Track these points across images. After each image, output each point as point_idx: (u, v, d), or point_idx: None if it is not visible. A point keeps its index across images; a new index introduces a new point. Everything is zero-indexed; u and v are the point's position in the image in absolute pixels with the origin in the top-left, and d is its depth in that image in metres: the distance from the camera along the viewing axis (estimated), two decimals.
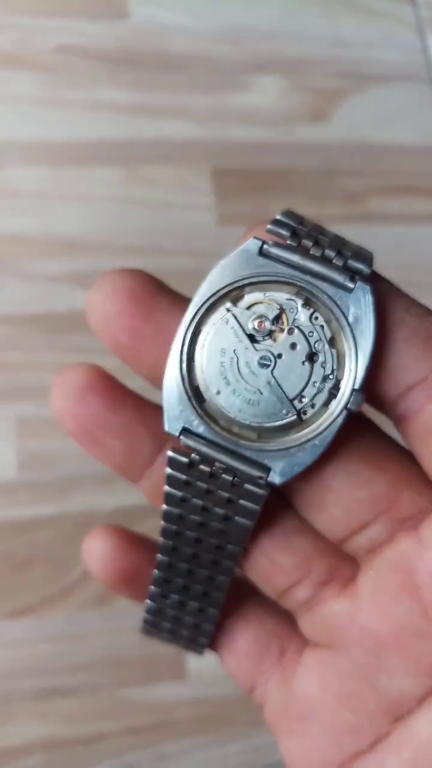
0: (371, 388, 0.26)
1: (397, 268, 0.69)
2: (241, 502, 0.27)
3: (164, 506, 0.28)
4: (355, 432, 0.27)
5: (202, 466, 0.27)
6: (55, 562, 0.60)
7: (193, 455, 0.27)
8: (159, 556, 0.30)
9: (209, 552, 0.30)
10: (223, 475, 0.27)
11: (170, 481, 0.28)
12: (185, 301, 0.27)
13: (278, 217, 0.27)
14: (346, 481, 0.27)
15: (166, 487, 0.28)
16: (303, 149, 0.74)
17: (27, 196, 0.68)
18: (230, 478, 0.27)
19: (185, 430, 0.27)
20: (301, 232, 0.26)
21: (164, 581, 0.31)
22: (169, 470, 0.28)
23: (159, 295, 0.27)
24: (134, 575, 0.33)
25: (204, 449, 0.27)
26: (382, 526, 0.27)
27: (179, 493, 0.28)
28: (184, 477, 0.27)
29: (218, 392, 0.27)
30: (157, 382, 0.27)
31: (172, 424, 0.27)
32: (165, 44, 0.75)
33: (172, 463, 0.27)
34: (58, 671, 0.58)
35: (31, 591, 0.59)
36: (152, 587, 0.32)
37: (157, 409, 0.29)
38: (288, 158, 0.74)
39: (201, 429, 0.27)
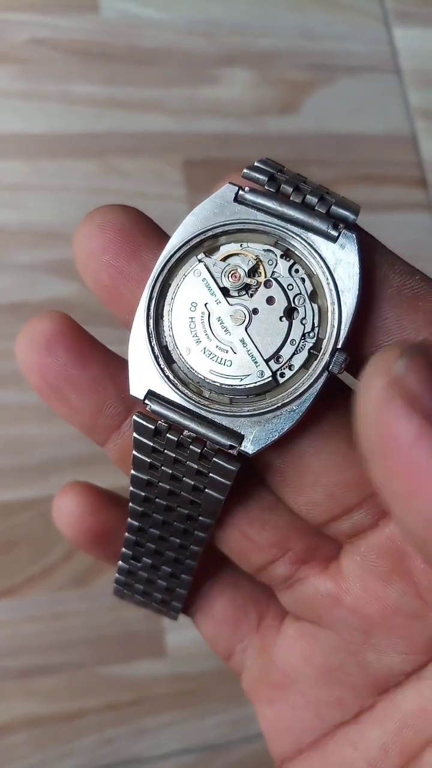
0: (352, 349, 0.23)
1: None
2: (211, 475, 0.25)
3: (132, 471, 0.27)
4: (339, 407, 0.25)
5: (169, 434, 0.25)
6: (36, 544, 0.61)
7: (159, 422, 0.25)
8: (129, 519, 0.29)
9: (180, 521, 0.28)
10: (191, 446, 0.25)
11: (138, 446, 0.26)
12: None
13: (256, 163, 0.25)
14: (328, 462, 0.25)
15: (134, 452, 0.26)
16: (273, 140, 0.75)
17: (3, 188, 0.69)
18: (198, 450, 0.25)
19: (151, 394, 0.24)
20: (280, 178, 0.24)
21: (135, 544, 0.30)
22: (135, 435, 0.26)
23: (149, 236, 0.25)
24: (105, 535, 0.31)
25: (171, 415, 0.24)
26: (367, 512, 0.26)
27: (147, 459, 0.26)
28: (150, 444, 0.26)
29: (188, 351, 0.24)
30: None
31: (137, 387, 0.25)
32: (136, 38, 0.76)
33: (138, 428, 0.25)
34: (41, 650, 0.59)
35: (12, 572, 0.60)
36: (124, 549, 0.30)
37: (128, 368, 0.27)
38: (258, 149, 0.75)
39: (169, 393, 0.24)
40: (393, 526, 0.25)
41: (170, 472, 0.26)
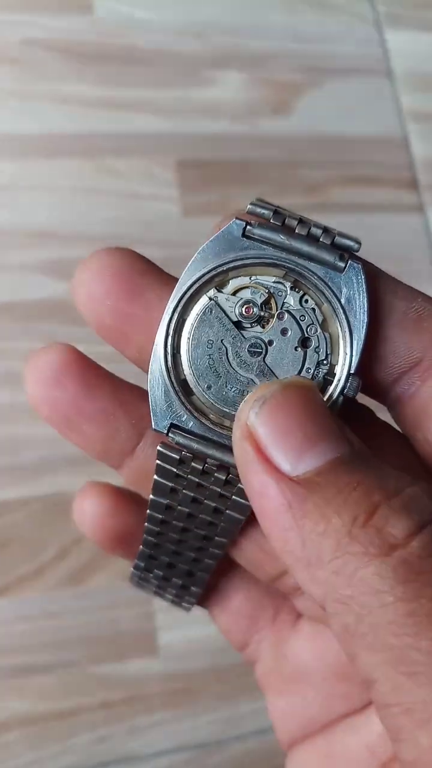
0: (365, 373, 0.25)
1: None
2: (235, 498, 0.26)
3: (152, 496, 0.27)
4: (355, 426, 0.26)
5: (193, 463, 0.26)
6: (30, 543, 0.61)
7: (184, 452, 0.26)
8: (145, 536, 0.29)
9: (196, 540, 0.29)
10: (216, 474, 0.26)
11: (160, 472, 0.26)
12: (175, 282, 0.26)
13: (255, 199, 0.26)
14: None
15: (156, 477, 0.27)
16: (265, 141, 0.76)
17: None
18: (223, 477, 0.26)
19: (174, 426, 0.25)
20: (284, 212, 0.25)
21: (150, 557, 0.31)
22: (159, 462, 0.26)
23: (148, 275, 0.26)
24: (128, 536, 0.32)
25: (195, 446, 0.25)
26: None
27: (169, 484, 0.27)
28: (174, 470, 0.26)
29: (209, 387, 0.25)
30: (145, 365, 0.26)
31: (159, 421, 0.25)
32: (129, 39, 0.76)
33: (162, 458, 0.26)
34: (34, 649, 0.60)
35: (5, 571, 0.60)
36: (141, 547, 0.31)
37: (137, 392, 0.28)
38: (250, 150, 0.75)
39: (191, 424, 0.25)
40: None
41: (192, 495, 0.27)
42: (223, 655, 0.61)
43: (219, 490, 0.26)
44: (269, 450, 0.22)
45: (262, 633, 0.34)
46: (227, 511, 0.27)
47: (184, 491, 0.27)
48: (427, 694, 0.19)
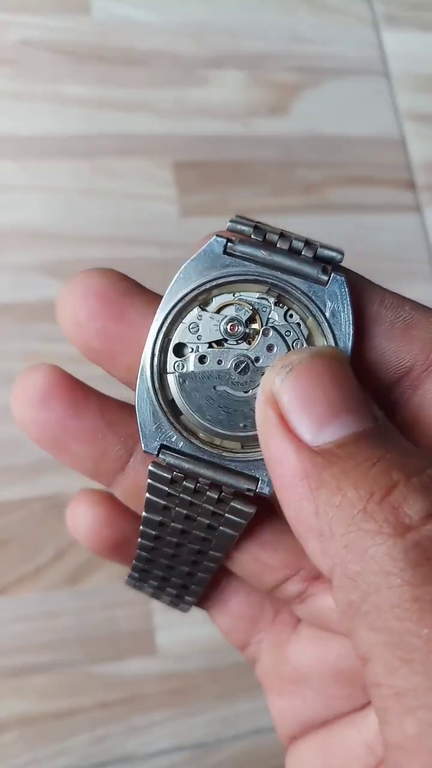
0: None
1: (353, 256, 0.71)
2: (227, 515, 0.26)
3: (144, 513, 0.27)
4: None
5: (185, 482, 0.26)
6: (27, 543, 0.61)
7: (175, 472, 0.26)
8: (138, 551, 0.29)
9: (190, 554, 0.29)
10: (209, 492, 0.26)
11: (152, 491, 0.26)
12: (159, 300, 0.26)
13: (236, 216, 0.26)
14: None
15: (148, 495, 0.27)
16: (262, 142, 0.76)
17: None
18: (216, 496, 0.26)
19: (164, 447, 0.25)
20: (264, 227, 0.25)
21: (143, 570, 0.31)
22: (151, 482, 0.26)
23: (131, 295, 0.26)
24: (123, 543, 0.31)
25: (186, 465, 0.25)
26: None
27: (161, 502, 0.27)
28: (166, 489, 0.26)
29: (198, 408, 0.25)
30: (134, 385, 0.26)
31: (149, 442, 0.25)
32: (127, 39, 0.76)
33: (154, 477, 0.26)
34: (33, 649, 0.60)
35: (4, 572, 0.61)
36: (132, 571, 0.31)
37: (125, 409, 0.28)
38: (248, 150, 0.75)
39: (181, 444, 0.25)
40: None
41: (185, 512, 0.27)
42: (220, 654, 0.61)
43: (212, 508, 0.26)
44: (291, 417, 0.22)
45: (262, 633, 0.34)
46: (221, 528, 0.27)
47: (176, 509, 0.27)
48: (419, 681, 0.19)
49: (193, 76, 0.77)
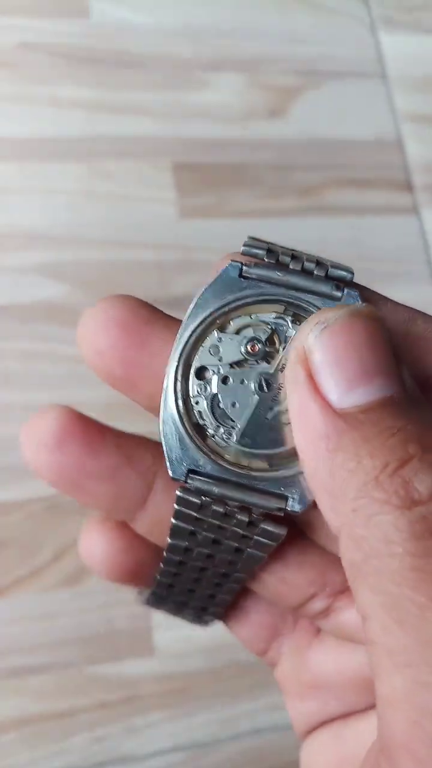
0: None
1: (353, 258, 0.72)
2: (257, 538, 0.26)
3: (169, 540, 0.27)
4: None
5: (214, 507, 0.26)
6: (26, 544, 0.61)
7: (203, 497, 0.25)
8: (158, 577, 0.29)
9: (214, 577, 0.29)
10: (238, 516, 0.26)
11: (179, 516, 0.26)
12: (179, 326, 0.26)
13: (248, 239, 0.26)
14: None
15: (174, 521, 0.26)
16: (260, 144, 0.76)
17: None
18: (246, 518, 0.26)
19: (192, 472, 0.25)
20: (277, 249, 0.26)
21: (162, 595, 0.30)
22: (178, 508, 0.26)
23: (152, 323, 0.26)
24: (141, 569, 0.31)
25: (215, 489, 0.25)
26: None
27: (188, 528, 0.26)
28: (194, 514, 0.26)
29: (221, 427, 0.25)
30: (156, 411, 0.26)
31: (176, 468, 0.25)
32: (125, 42, 0.76)
33: (181, 502, 0.26)
34: (31, 649, 0.60)
35: (3, 573, 0.61)
36: (149, 597, 0.31)
37: (140, 442, 0.28)
38: (246, 153, 0.75)
39: (208, 468, 0.25)
40: None
41: (212, 537, 0.27)
42: (219, 654, 0.61)
43: (241, 531, 0.26)
44: (320, 377, 0.22)
45: (281, 639, 0.34)
46: (249, 550, 0.27)
47: (204, 533, 0.27)
48: (409, 642, 0.20)
49: (191, 79, 0.77)
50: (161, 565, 0.28)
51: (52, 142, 0.72)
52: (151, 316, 0.26)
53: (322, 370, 0.22)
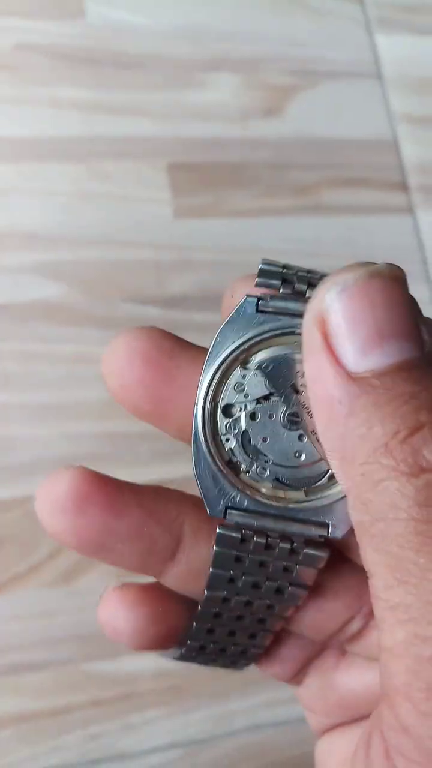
0: None
1: (348, 258, 0.72)
2: (300, 567, 0.26)
3: (207, 591, 0.27)
4: None
5: (256, 539, 0.26)
6: (23, 542, 0.62)
7: (244, 531, 0.26)
8: (194, 632, 0.28)
9: (252, 623, 0.28)
10: (281, 544, 0.26)
11: (219, 560, 0.26)
12: (204, 355, 0.26)
13: (262, 266, 0.26)
14: None
15: (213, 569, 0.26)
16: (256, 144, 0.76)
17: None
18: (288, 546, 0.26)
19: (229, 508, 0.25)
20: (291, 277, 0.26)
21: (198, 649, 0.30)
22: (218, 548, 0.26)
23: (177, 356, 0.26)
24: (172, 635, 0.30)
25: (255, 522, 0.25)
26: None
27: (228, 573, 0.26)
28: (235, 553, 0.26)
29: (256, 463, 0.26)
30: (186, 439, 0.26)
31: (214, 507, 0.25)
32: (122, 43, 0.77)
33: (222, 540, 0.26)
34: (28, 647, 0.60)
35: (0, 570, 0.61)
36: (190, 642, 0.30)
37: (162, 494, 0.27)
38: (242, 153, 0.76)
39: (246, 503, 0.25)
40: None
41: (252, 580, 0.26)
42: None
43: (284, 563, 0.26)
44: (336, 340, 0.22)
45: (308, 665, 0.33)
46: (290, 588, 0.27)
47: (244, 577, 0.26)
48: (410, 600, 0.21)
49: (189, 79, 0.77)
50: (194, 623, 0.28)
51: (50, 142, 0.72)
52: (175, 348, 0.26)
53: (338, 333, 0.22)
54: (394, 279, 0.23)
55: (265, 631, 0.29)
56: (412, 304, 0.23)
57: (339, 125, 0.79)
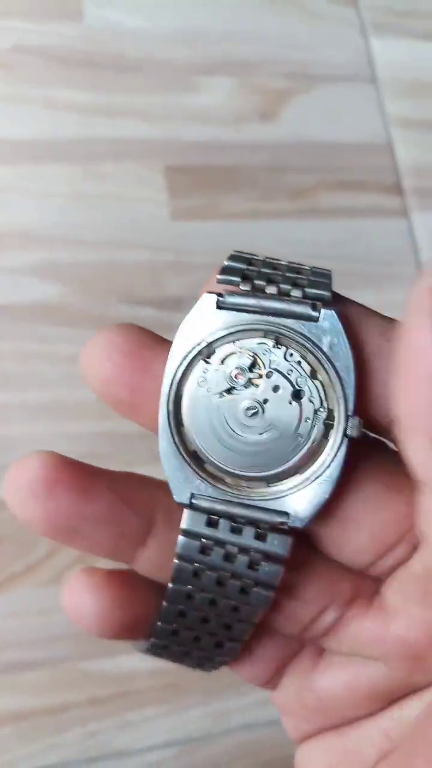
0: (363, 414, 0.25)
1: (344, 260, 0.73)
2: (267, 550, 0.26)
3: (170, 584, 0.26)
4: (365, 456, 0.26)
5: (222, 521, 0.26)
6: (20, 540, 0.62)
7: (210, 517, 0.26)
8: (160, 623, 0.28)
9: (223, 615, 0.28)
10: (246, 528, 0.26)
11: (185, 548, 0.26)
12: None
13: (226, 263, 0.26)
14: (366, 509, 0.26)
15: (177, 561, 0.26)
16: (252, 147, 0.77)
17: None
18: (254, 530, 0.26)
19: (194, 496, 0.25)
20: (252, 274, 0.26)
21: (167, 640, 0.29)
22: (185, 527, 0.26)
23: (153, 348, 0.26)
24: (138, 622, 0.28)
25: (220, 507, 0.25)
26: (406, 545, 0.26)
27: (191, 566, 0.26)
28: (199, 544, 0.26)
29: (218, 454, 0.26)
30: (156, 429, 0.26)
31: (180, 493, 0.25)
32: (119, 46, 0.77)
33: (191, 520, 0.26)
34: (25, 645, 0.60)
35: None
36: (149, 646, 0.29)
37: (135, 481, 0.27)
38: (238, 156, 0.76)
39: (210, 491, 0.25)
40: (427, 553, 0.26)
41: (216, 576, 0.26)
42: None
43: (246, 559, 0.26)
44: None
45: (284, 668, 0.32)
46: (253, 589, 0.26)
47: (208, 572, 0.26)
48: None
49: (185, 82, 0.78)
50: (158, 622, 0.27)
51: (47, 143, 0.72)
52: (151, 342, 0.26)
53: None
54: None
55: (242, 617, 0.28)
56: None
57: (334, 128, 0.80)
